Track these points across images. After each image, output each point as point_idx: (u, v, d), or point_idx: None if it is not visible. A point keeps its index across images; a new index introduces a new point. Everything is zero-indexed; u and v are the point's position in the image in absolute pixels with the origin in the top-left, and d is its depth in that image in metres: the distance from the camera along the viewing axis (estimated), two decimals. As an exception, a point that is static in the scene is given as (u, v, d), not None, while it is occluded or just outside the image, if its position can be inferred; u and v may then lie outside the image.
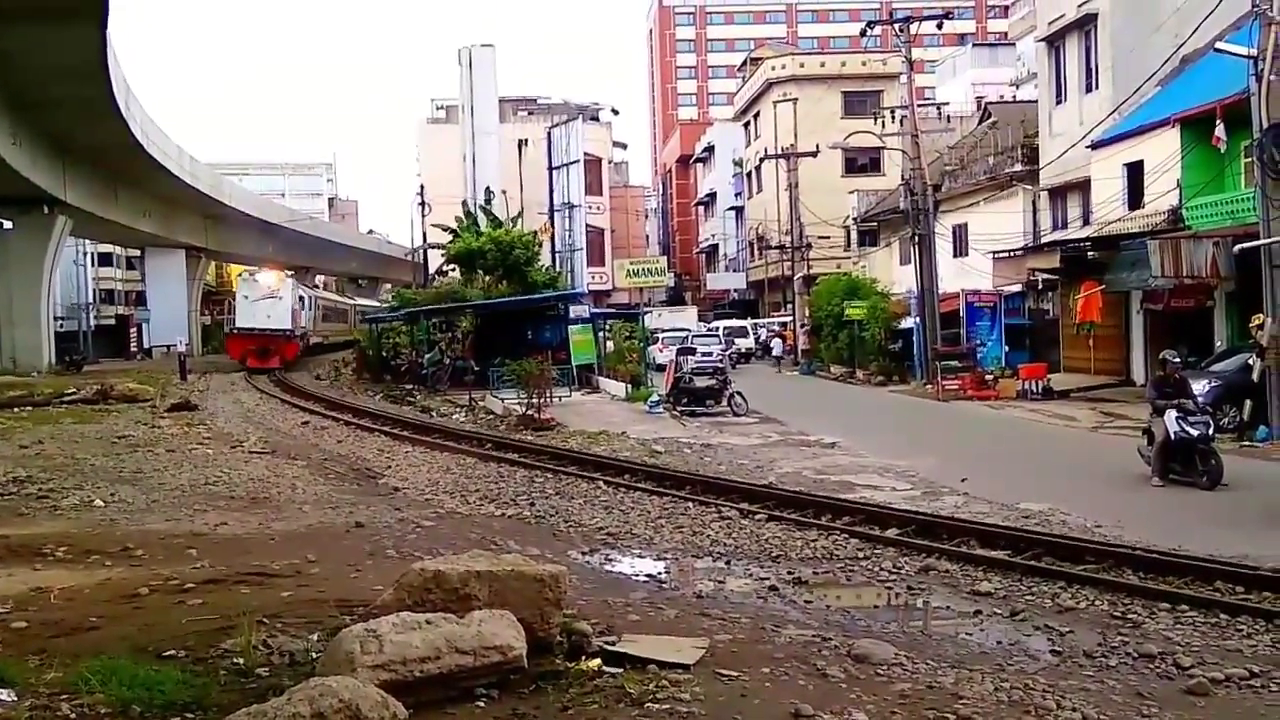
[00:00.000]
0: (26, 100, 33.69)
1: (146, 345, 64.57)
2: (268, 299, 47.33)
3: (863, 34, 40.49)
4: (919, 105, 38.31)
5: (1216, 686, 6.92)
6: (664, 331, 47.90)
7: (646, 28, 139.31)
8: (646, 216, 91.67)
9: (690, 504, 14.28)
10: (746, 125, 70.86)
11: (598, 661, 6.00)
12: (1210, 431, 14.93)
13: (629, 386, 31.59)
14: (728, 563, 11.26)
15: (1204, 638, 8.16)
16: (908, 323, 36.56)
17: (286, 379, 41.77)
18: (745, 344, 52.66)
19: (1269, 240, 19.10)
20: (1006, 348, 32.94)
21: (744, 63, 77.85)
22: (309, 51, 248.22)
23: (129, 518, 12.59)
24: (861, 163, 58.12)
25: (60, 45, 27.96)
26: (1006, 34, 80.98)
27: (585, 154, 64.33)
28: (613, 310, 50.69)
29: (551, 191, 64.27)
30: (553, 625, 6.10)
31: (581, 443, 21.27)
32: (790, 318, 52.81)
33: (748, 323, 58.25)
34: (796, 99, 60.23)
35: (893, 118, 39.59)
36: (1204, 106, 23.92)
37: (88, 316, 69.26)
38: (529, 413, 25.07)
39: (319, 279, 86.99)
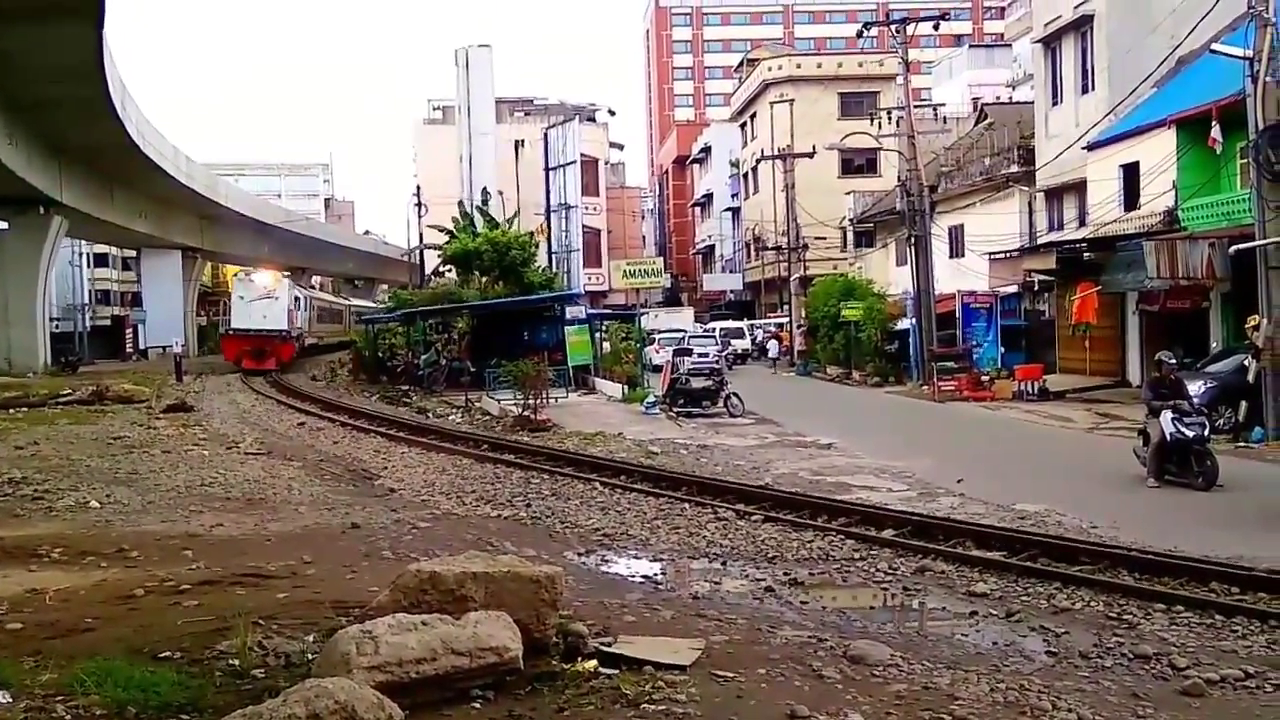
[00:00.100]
0: (22, 100, 33.64)
1: (142, 346, 64.39)
2: (263, 299, 46.96)
3: (859, 35, 40.57)
4: (915, 106, 38.34)
5: (1212, 687, 6.93)
6: (660, 332, 47.92)
7: (643, 29, 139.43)
8: (643, 217, 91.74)
9: (686, 505, 14.27)
10: (743, 126, 70.89)
11: (594, 663, 6.00)
12: (1206, 432, 14.96)
13: (625, 387, 31.61)
14: (724, 564, 11.26)
15: (1199, 639, 8.16)
16: (904, 324, 36.60)
17: (282, 380, 41.69)
18: (742, 345, 52.67)
19: (1264, 241, 19.15)
20: (1002, 349, 32.97)
21: (740, 64, 77.89)
22: (305, 52, 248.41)
23: (124, 519, 12.57)
24: (858, 164, 58.16)
25: (56, 45, 27.92)
26: (1003, 35, 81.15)
27: (582, 155, 64.33)
28: (609, 311, 50.72)
29: (548, 192, 64.27)
30: (549, 626, 6.10)
31: (578, 444, 21.27)
32: (787, 319, 52.84)
33: (744, 324, 58.26)
34: (793, 100, 60.26)
35: (889, 119, 39.72)
36: (1200, 108, 23.96)
37: (83, 317, 69.13)
38: (525, 414, 25.06)
39: (315, 280, 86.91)
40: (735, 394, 27.27)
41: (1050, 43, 33.10)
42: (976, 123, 44.93)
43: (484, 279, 44.38)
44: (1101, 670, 7.38)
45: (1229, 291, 23.33)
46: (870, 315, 38.17)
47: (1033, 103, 35.91)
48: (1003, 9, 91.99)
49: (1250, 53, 19.03)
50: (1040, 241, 32.88)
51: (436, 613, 5.59)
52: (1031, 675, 7.04)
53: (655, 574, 10.81)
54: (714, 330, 52.98)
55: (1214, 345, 24.27)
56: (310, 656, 5.82)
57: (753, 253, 66.35)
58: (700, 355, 32.25)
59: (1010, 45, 67.64)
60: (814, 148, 48.50)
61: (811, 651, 7.10)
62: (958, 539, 11.55)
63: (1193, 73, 26.52)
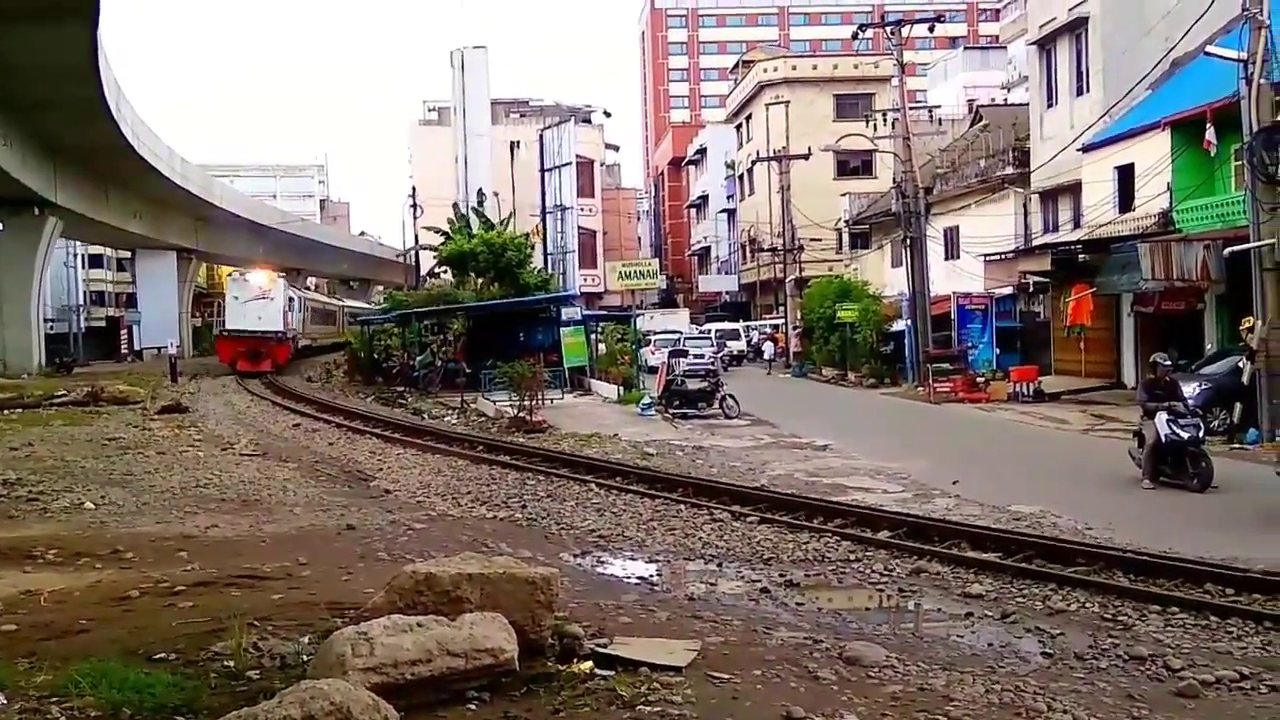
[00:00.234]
0: (17, 101, 33.58)
1: (137, 347, 64.27)
2: (259, 300, 46.55)
3: (855, 37, 40.46)
4: (910, 108, 38.38)
5: (1207, 689, 6.95)
6: (656, 334, 47.92)
7: (639, 30, 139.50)
8: (639, 219, 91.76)
9: (682, 506, 14.28)
10: (738, 128, 70.92)
11: (589, 664, 5.99)
12: (1200, 434, 14.98)
13: (621, 389, 31.60)
14: (719, 565, 11.26)
15: (1194, 640, 8.18)
16: (899, 325, 36.65)
17: (278, 381, 41.59)
18: (737, 346, 52.69)
19: (1259, 243, 19.18)
20: (998, 350, 33.03)
21: (736, 65, 77.93)
22: (301, 53, 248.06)
23: (119, 520, 12.56)
24: (853, 165, 58.20)
25: (51, 46, 27.87)
26: (998, 37, 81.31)
27: (577, 156, 64.32)
28: (605, 312, 50.68)
29: (543, 193, 64.23)
30: (544, 628, 6.10)
31: (573, 445, 21.27)
32: (782, 320, 52.87)
33: (740, 325, 58.29)
34: (788, 101, 60.31)
35: (884, 120, 39.68)
36: (1194, 110, 24.01)
37: (78, 318, 69.03)
38: (521, 415, 25.05)
39: (310, 281, 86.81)
40: (731, 395, 27.28)
41: (1045, 45, 33.16)
42: (971, 124, 45.00)
43: (479, 280, 44.36)
44: (1097, 671, 7.39)
45: (1224, 293, 23.38)
46: (865, 317, 38.23)
47: (1028, 105, 35.96)
48: (997, 11, 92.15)
49: (1244, 55, 19.06)
50: (1035, 243, 32.91)
51: (432, 614, 5.58)
52: (1027, 676, 7.06)
53: (651, 575, 10.82)
54: (709, 332, 52.98)
55: (1209, 347, 24.32)
56: (305, 658, 5.81)
57: (748, 254, 66.39)
58: (696, 357, 32.19)
59: (1005, 47, 67.85)
60: (809, 149, 48.52)
61: (807, 653, 7.10)
62: (953, 540, 11.57)
63: (1187, 75, 26.57)
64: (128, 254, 72.27)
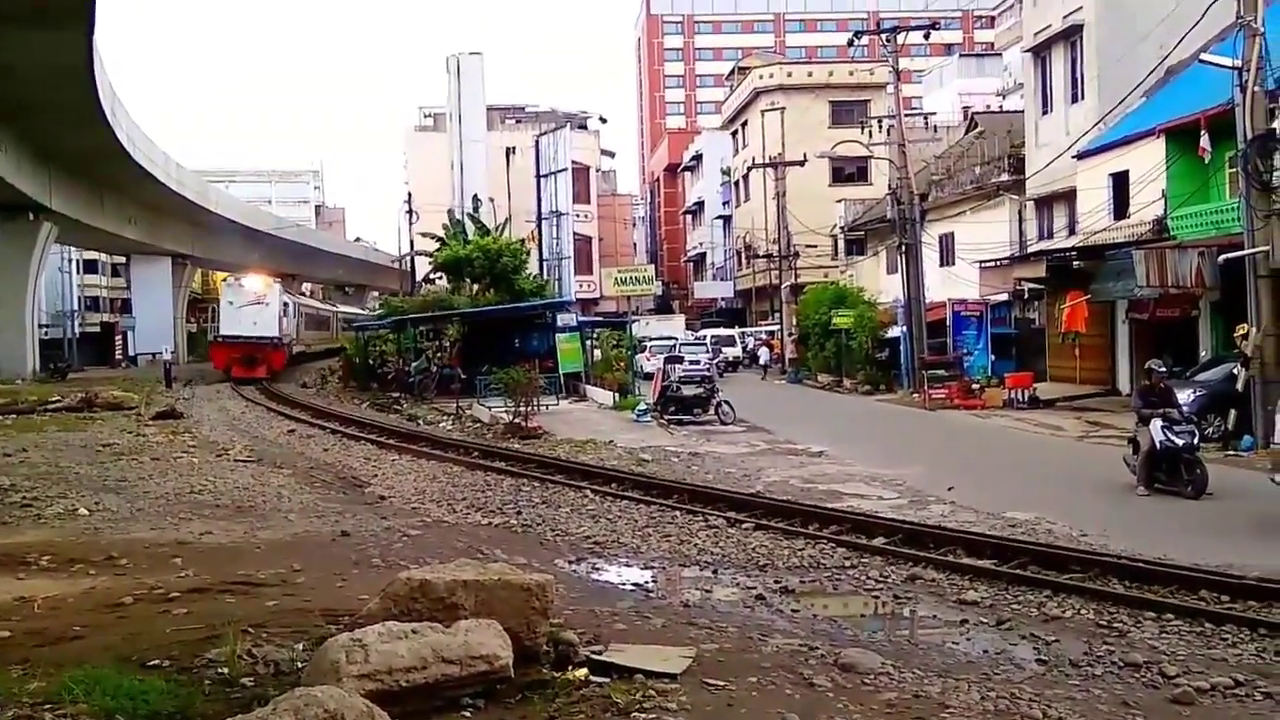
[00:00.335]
0: (11, 106, 33.56)
1: (132, 353, 64.17)
2: (254, 305, 46.46)
3: (850, 44, 40.45)
4: (906, 115, 38.48)
5: (1202, 695, 6.95)
6: (651, 340, 47.89)
7: (634, 36, 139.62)
8: (634, 225, 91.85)
9: (677, 513, 14.27)
10: (734, 134, 71.04)
11: (584, 671, 5.99)
12: (1195, 441, 15.01)
13: (616, 395, 31.60)
14: (715, 572, 11.25)
15: (1189, 647, 8.18)
16: (894, 331, 36.67)
17: (272, 387, 41.52)
18: (733, 352, 52.72)
19: (1253, 250, 19.21)
20: (993, 357, 33.04)
21: (732, 72, 78.07)
22: (296, 58, 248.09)
23: (113, 526, 12.53)
24: (849, 172, 58.29)
25: (47, 51, 27.85)
26: (993, 44, 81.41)
27: (573, 162, 64.39)
28: (600, 319, 50.62)
29: (539, 200, 64.27)
30: (539, 634, 6.09)
31: (569, 451, 21.27)
32: (778, 326, 52.90)
33: (735, 331, 58.32)
34: (784, 108, 60.40)
35: (880, 127, 39.74)
36: (1189, 117, 24.06)
37: (73, 324, 68.95)
38: (516, 421, 25.05)
39: (306, 286, 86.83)
40: (726, 401, 27.29)
41: (1040, 52, 33.25)
42: (967, 131, 45.11)
43: (475, 286, 44.38)
44: (1092, 678, 7.39)
45: (1218, 300, 23.42)
46: (861, 323, 38.26)
47: (1023, 111, 36.06)
48: (993, 18, 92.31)
49: (1239, 62, 19.11)
50: (1030, 250, 32.97)
51: (427, 621, 5.57)
52: (1022, 683, 7.05)
53: (646, 582, 10.81)
54: (705, 338, 52.99)
55: (1203, 354, 24.36)
56: (300, 665, 5.80)
57: (744, 260, 66.46)
58: (691, 363, 32.21)
59: (1000, 54, 67.90)
60: (805, 156, 48.61)
61: (802, 660, 7.09)
62: (948, 547, 11.57)
63: (1182, 82, 26.65)
64: (123, 259, 72.23)
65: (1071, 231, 30.90)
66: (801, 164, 48.79)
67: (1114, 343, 28.84)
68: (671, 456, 20.49)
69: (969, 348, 33.34)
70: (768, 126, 60.38)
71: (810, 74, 64.81)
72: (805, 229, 50.37)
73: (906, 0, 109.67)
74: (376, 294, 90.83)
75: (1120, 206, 27.99)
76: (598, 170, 73.92)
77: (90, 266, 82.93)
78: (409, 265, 63.02)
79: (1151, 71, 25.35)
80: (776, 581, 10.61)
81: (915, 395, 32.20)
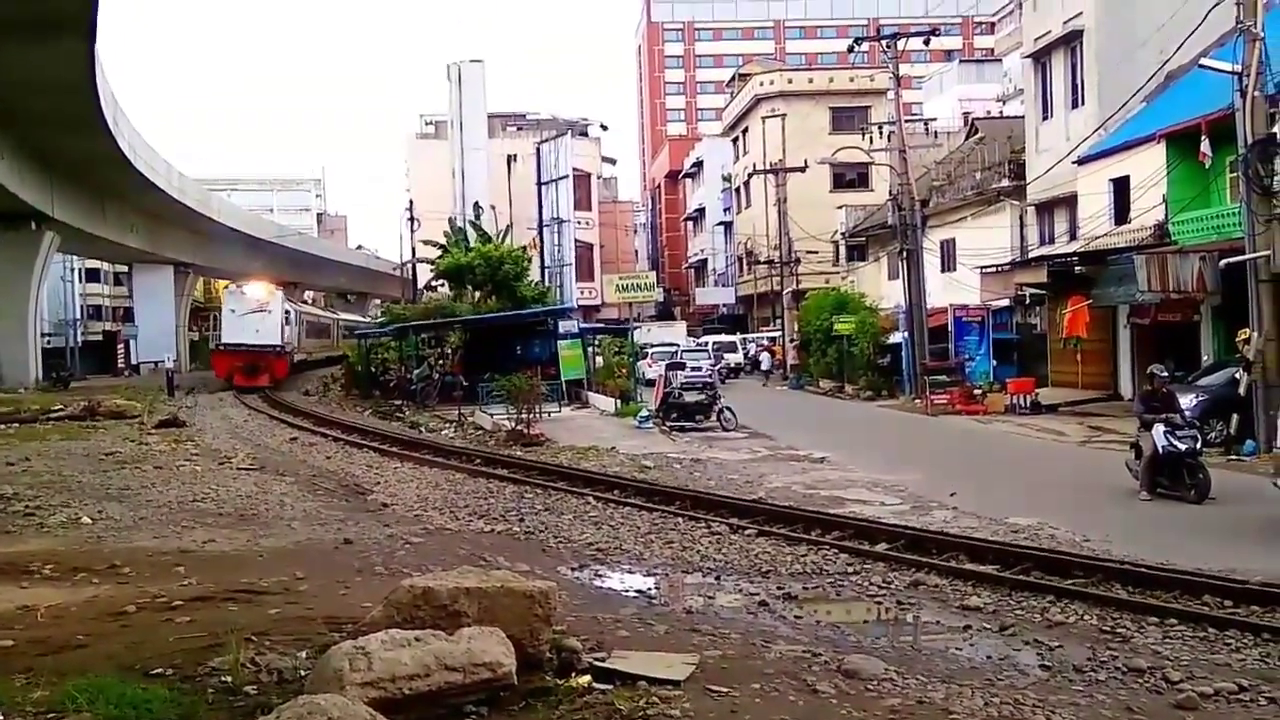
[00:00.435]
0: (13, 115, 33.63)
1: (134, 361, 64.21)
2: (256, 312, 45.95)
3: (850, 50, 40.57)
4: (906, 121, 38.54)
5: (1205, 701, 6.93)
6: (653, 346, 47.89)
7: (635, 44, 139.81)
8: (635, 231, 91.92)
9: (680, 519, 14.27)
10: (735, 141, 71.11)
11: (588, 678, 5.98)
12: (1198, 445, 15.00)
13: (618, 401, 31.59)
14: (717, 578, 11.25)
15: (1193, 652, 8.18)
16: (896, 337, 36.68)
17: (274, 395, 41.49)
18: (734, 359, 52.71)
19: (1254, 255, 19.21)
20: (994, 362, 33.07)
21: (732, 78, 78.18)
22: (295, 58, 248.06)
23: (116, 535, 12.53)
24: (849, 178, 58.35)
25: (49, 61, 27.91)
26: (993, 50, 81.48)
27: (574, 169, 64.51)
28: (602, 325, 50.68)
29: (540, 207, 64.35)
30: (542, 642, 6.09)
31: (571, 458, 21.26)
32: (779, 332, 52.91)
33: (737, 338, 58.32)
34: (785, 114, 60.42)
35: (880, 133, 39.79)
36: (1189, 122, 24.09)
37: (75, 333, 69.02)
38: (518, 428, 25.05)
39: (308, 294, 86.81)
40: (728, 408, 27.28)
41: (1040, 58, 33.28)
42: (967, 137, 45.16)
43: (477, 293, 44.39)
44: (1096, 684, 7.38)
45: (1219, 305, 23.42)
46: (862, 329, 38.27)
47: (1023, 117, 36.09)
48: (993, 24, 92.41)
49: (1239, 67, 19.12)
50: (1031, 255, 32.99)
51: (430, 628, 5.57)
52: (1026, 689, 7.04)
53: (649, 589, 10.81)
54: (707, 344, 53.00)
55: (1205, 358, 24.34)
56: (303, 673, 5.80)
57: (745, 267, 66.48)
58: (693, 369, 32.22)
59: (1000, 60, 68.00)
60: (805, 162, 48.61)
61: (806, 666, 7.08)
62: (951, 553, 11.56)
63: (1182, 87, 26.66)
64: (125, 268, 72.31)
65: (1072, 237, 30.90)
66: (802, 170, 48.83)
67: (1116, 348, 28.84)
68: (674, 463, 20.48)
69: (970, 353, 33.37)
70: (768, 133, 60.42)
71: (811, 80, 64.93)
72: (806, 235, 50.41)
73: (907, 6, 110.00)
74: (378, 301, 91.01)
75: (1121, 211, 28.00)
76: (599, 177, 74.01)
77: (92, 275, 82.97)
78: (411, 273, 63.04)
79: (1151, 77, 25.32)
80: (779, 588, 10.60)
81: (917, 401, 32.20)
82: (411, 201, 63.84)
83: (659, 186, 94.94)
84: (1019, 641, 8.60)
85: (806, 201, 52.26)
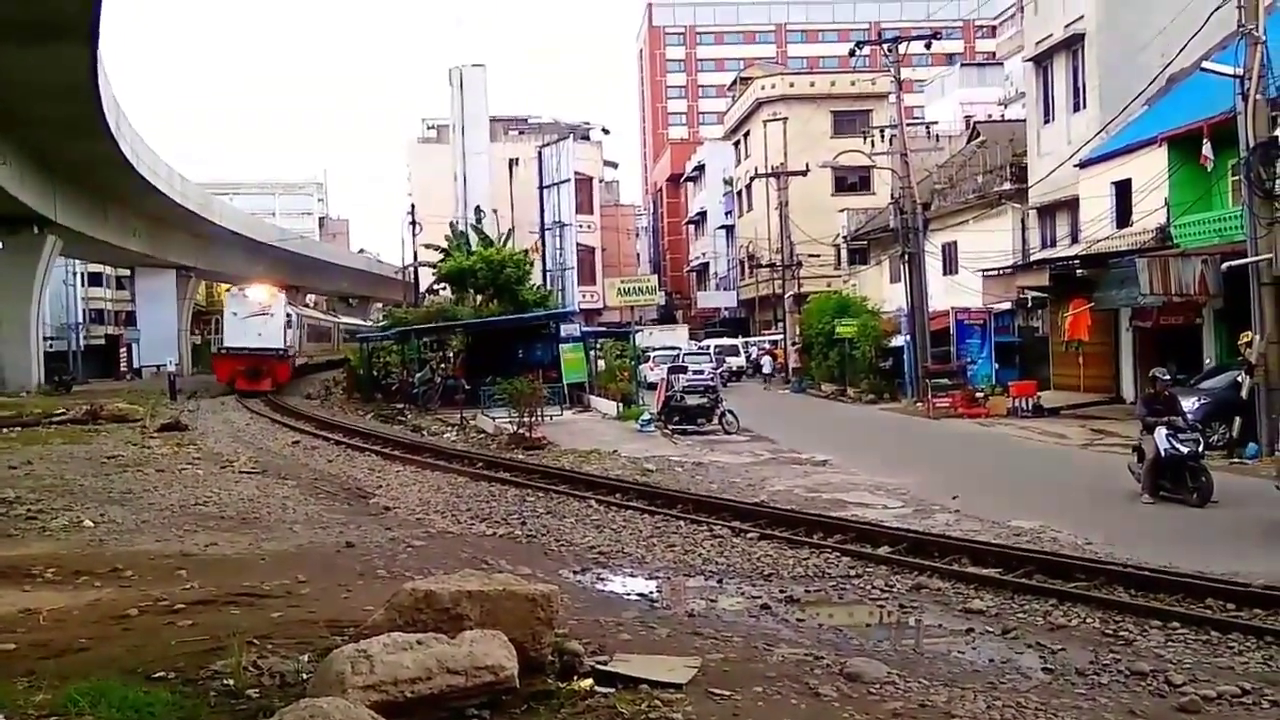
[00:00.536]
0: (15, 119, 33.65)
1: (136, 365, 64.18)
2: (258, 316, 45.64)
3: (852, 54, 40.67)
4: (908, 124, 38.53)
5: (1208, 704, 6.93)
6: (655, 350, 47.94)
7: (636, 48, 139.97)
8: (637, 235, 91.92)
9: (682, 522, 14.27)
10: (736, 144, 71.13)
11: (590, 681, 5.98)
12: (1200, 448, 14.99)
13: (620, 405, 31.59)
14: (720, 581, 11.24)
15: (1195, 655, 8.17)
16: (898, 340, 36.70)
17: (276, 399, 41.45)
18: (736, 362, 52.72)
19: (1256, 258, 19.21)
20: (996, 365, 33.06)
21: (734, 82, 78.20)
22: (294, 57, 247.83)
23: (118, 538, 12.53)
24: (851, 181, 58.35)
25: (51, 65, 27.94)
26: (994, 54, 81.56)
27: (576, 173, 64.56)
28: (604, 329, 50.74)
29: (542, 210, 64.40)
30: (544, 645, 6.09)
31: (573, 461, 21.26)
32: (781, 336, 52.92)
33: (739, 341, 58.33)
34: (786, 118, 60.48)
35: (882, 137, 39.83)
36: (1191, 125, 24.09)
37: (77, 336, 69.03)
38: (520, 431, 25.06)
39: (310, 298, 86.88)
40: (730, 411, 27.29)
41: (1042, 61, 33.29)
42: (969, 140, 45.12)
43: (478, 297, 44.43)
44: (1098, 687, 7.38)
45: (1222, 308, 23.41)
46: (864, 332, 38.28)
47: (1024, 120, 36.08)
48: (994, 28, 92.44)
49: (1241, 71, 19.12)
50: (1033, 258, 32.99)
51: (432, 632, 5.57)
52: (1028, 692, 7.04)
53: (651, 592, 10.80)
54: (708, 347, 53.02)
55: (1207, 361, 24.34)
56: (305, 676, 5.80)
57: (747, 270, 66.49)
58: (695, 373, 32.24)
59: (1002, 63, 68.05)
60: (807, 166, 48.63)
61: (808, 669, 7.08)
62: (953, 556, 11.56)
63: (1184, 91, 26.67)
64: (127, 272, 72.32)
65: (1074, 240, 30.90)
66: (804, 174, 48.85)
67: (1118, 351, 28.83)
68: (675, 466, 20.48)
69: (972, 356, 33.36)
70: (770, 137, 60.47)
71: (812, 84, 64.95)
72: (808, 238, 50.41)
73: (908, 10, 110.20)
74: (380, 305, 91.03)
75: (1123, 215, 28.00)
76: (600, 181, 74.06)
77: (94, 279, 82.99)
78: (413, 276, 63.07)
79: (1153, 80, 25.31)
80: (782, 591, 10.60)
81: (919, 404, 32.19)
82: (413, 205, 63.89)
83: (660, 190, 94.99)
84: (1021, 644, 8.60)
85: (808, 205, 52.29)
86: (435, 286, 53.25)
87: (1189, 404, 17.96)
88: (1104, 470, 17.86)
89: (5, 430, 27.52)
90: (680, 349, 49.55)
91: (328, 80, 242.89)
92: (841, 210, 53.34)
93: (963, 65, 78.63)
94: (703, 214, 78.76)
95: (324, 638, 6.72)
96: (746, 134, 67.74)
